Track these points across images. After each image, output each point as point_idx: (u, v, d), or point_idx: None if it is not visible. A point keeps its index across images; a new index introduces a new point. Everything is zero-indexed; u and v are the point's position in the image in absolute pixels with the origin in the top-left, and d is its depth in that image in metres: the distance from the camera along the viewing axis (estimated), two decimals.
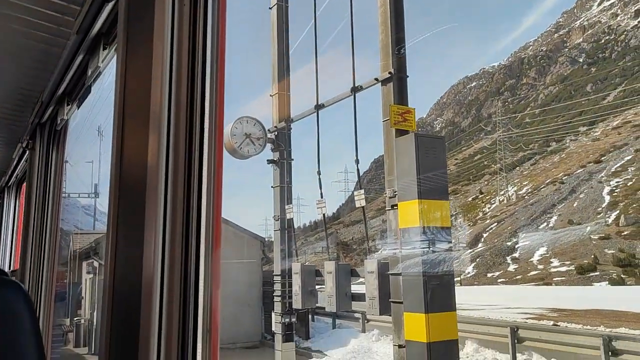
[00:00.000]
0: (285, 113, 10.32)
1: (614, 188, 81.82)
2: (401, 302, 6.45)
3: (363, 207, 8.23)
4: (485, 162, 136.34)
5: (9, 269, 4.37)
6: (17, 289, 1.22)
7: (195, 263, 1.02)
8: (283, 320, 9.27)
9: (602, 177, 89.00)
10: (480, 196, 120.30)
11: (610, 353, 10.83)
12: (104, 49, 1.99)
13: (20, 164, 3.81)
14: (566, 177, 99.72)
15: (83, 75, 2.25)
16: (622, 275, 55.76)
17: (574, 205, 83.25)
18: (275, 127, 10.23)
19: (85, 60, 2.17)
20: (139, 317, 1.01)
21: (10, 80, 2.75)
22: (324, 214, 9.10)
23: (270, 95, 10.77)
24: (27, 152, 3.16)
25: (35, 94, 2.87)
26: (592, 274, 57.87)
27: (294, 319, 9.42)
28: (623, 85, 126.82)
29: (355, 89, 8.22)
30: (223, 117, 1.10)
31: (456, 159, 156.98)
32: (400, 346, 6.48)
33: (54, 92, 2.49)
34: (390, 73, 7.31)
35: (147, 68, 1.15)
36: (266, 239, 19.85)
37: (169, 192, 1.05)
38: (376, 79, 7.63)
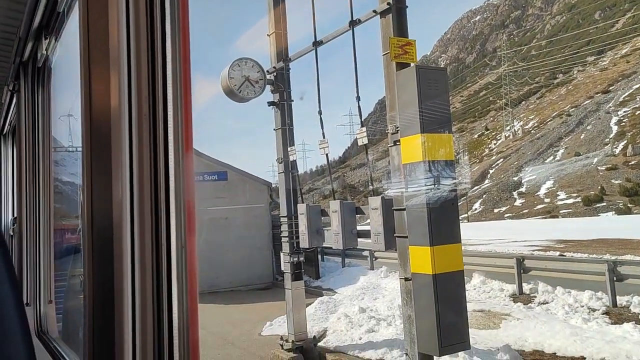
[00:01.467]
0: (283, 53, 10.06)
1: (622, 118, 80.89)
2: (406, 237, 6.49)
3: (366, 145, 8.14)
4: (491, 98, 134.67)
5: (12, 220, 4.40)
6: None
7: (166, 201, 0.98)
8: (291, 260, 9.42)
9: (610, 107, 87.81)
10: (486, 133, 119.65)
11: (615, 278, 11.02)
12: None
13: (11, 110, 3.74)
14: (573, 109, 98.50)
15: (55, 2, 2.14)
16: (629, 205, 56.09)
17: (581, 137, 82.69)
18: (274, 67, 10.01)
19: None
20: (112, 251, 1.00)
21: None
22: (327, 155, 9.04)
23: (267, 35, 10.47)
24: (15, 95, 3.08)
25: (13, 30, 2.76)
26: (598, 205, 58.23)
27: (301, 258, 9.57)
28: (632, 11, 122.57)
29: (353, 23, 7.94)
30: (188, 55, 1.03)
31: (461, 96, 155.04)
32: (406, 279, 6.57)
33: (30, 26, 2.38)
34: (388, 4, 7.02)
35: (104, 5, 1.09)
36: (273, 184, 19.97)
37: (134, 134, 1.02)
38: (374, 11, 7.35)
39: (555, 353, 8.36)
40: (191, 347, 0.97)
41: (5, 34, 2.87)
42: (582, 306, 10.98)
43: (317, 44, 8.95)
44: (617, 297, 10.95)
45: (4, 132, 4.74)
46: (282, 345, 9.25)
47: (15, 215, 3.83)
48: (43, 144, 2.83)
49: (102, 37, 1.11)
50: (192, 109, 1.01)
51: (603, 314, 10.41)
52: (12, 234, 4.17)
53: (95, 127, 1.16)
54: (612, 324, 9.70)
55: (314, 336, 9.70)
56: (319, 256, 19.49)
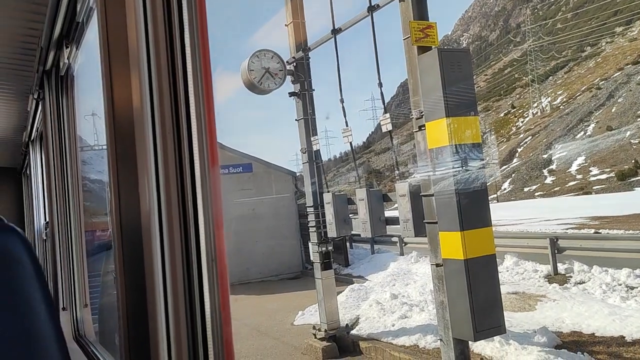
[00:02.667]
0: (302, 42, 9.99)
1: None
2: (435, 223, 6.41)
3: (390, 131, 8.05)
4: (516, 75, 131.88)
5: (45, 224, 4.50)
6: (14, 234, 1.21)
7: (192, 195, 0.97)
8: (320, 250, 9.43)
9: None
10: (512, 110, 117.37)
11: None
12: None
13: (38, 117, 3.82)
14: (603, 82, 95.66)
15: (74, 13, 2.16)
16: None
17: (612, 110, 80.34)
18: (294, 57, 9.96)
19: None
20: (142, 252, 1.00)
21: (6, 25, 2.68)
22: (350, 142, 8.98)
23: (285, 25, 10.42)
24: (40, 103, 3.14)
25: (34, 40, 2.81)
26: (633, 179, 56.61)
27: (330, 248, 9.57)
28: None
29: (371, 8, 7.82)
30: (208, 54, 1.01)
31: (485, 75, 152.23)
32: (437, 265, 6.50)
33: (50, 36, 2.42)
34: None
35: (121, 11, 1.08)
36: (297, 174, 20.03)
37: (158, 133, 1.02)
38: None
39: (594, 333, 8.19)
40: (225, 344, 0.97)
41: (28, 44, 2.92)
42: (620, 284, 10.72)
43: (335, 31, 8.86)
44: None
45: (32, 139, 4.84)
46: (315, 335, 9.30)
47: (47, 219, 3.91)
48: (70, 147, 2.88)
49: (122, 41, 1.11)
50: (214, 106, 1.00)
51: None
52: (45, 238, 4.28)
53: (119, 131, 1.16)
54: None
55: (347, 324, 9.73)
56: (348, 243, 19.52)
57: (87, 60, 2.66)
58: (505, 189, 71.26)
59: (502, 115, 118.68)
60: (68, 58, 2.59)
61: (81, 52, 2.56)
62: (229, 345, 0.96)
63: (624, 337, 7.82)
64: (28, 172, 6.60)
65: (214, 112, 0.99)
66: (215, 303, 0.95)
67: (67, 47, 2.50)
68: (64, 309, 2.88)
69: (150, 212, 0.99)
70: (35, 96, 3.15)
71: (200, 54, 0.98)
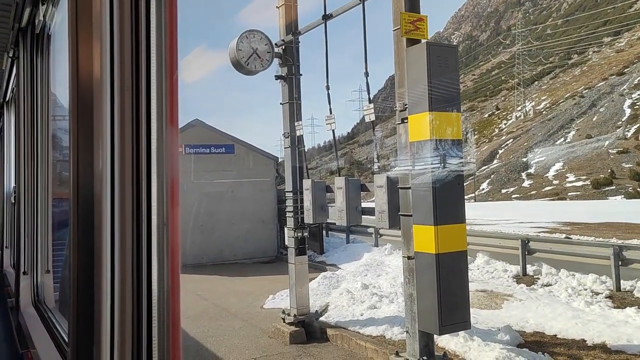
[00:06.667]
0: (293, 26, 9.89)
1: (636, 101, 79.67)
2: (410, 215, 6.45)
3: (373, 122, 8.03)
4: (503, 77, 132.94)
5: (14, 188, 4.41)
6: None
7: (147, 155, 0.94)
8: (295, 235, 9.42)
9: (624, 89, 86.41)
10: (496, 112, 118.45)
11: (620, 262, 10.97)
12: None
13: (12, 77, 3.70)
14: (587, 90, 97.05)
15: None
16: (639, 189, 55.64)
17: (593, 119, 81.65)
18: (283, 40, 9.86)
19: None
20: (94, 213, 0.97)
21: None
22: (333, 130, 8.94)
23: (277, 7, 10.29)
24: (15, 62, 3.04)
25: None
26: (608, 188, 57.80)
27: (306, 234, 9.57)
28: None
29: None
30: (175, 27, 0.98)
31: (473, 75, 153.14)
32: (409, 257, 6.56)
33: None
34: None
35: None
36: (280, 159, 19.96)
37: (116, 105, 0.99)
38: None
39: (556, 335, 8.37)
40: (171, 312, 0.95)
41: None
42: (586, 289, 10.96)
43: (326, 17, 8.79)
44: (622, 282, 10.92)
45: (7, 100, 4.70)
46: (284, 319, 9.33)
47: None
48: (42, 112, 2.80)
49: (88, 2, 1.07)
50: (178, 81, 0.97)
51: (606, 297, 10.39)
52: (13, 202, 4.18)
53: (81, 96, 1.13)
54: (614, 307, 9.69)
55: (316, 311, 9.78)
56: (324, 231, 19.57)
57: (64, 19, 2.57)
58: (483, 189, 72.15)
59: (486, 116, 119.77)
60: (44, 16, 2.50)
61: (59, 10, 2.47)
62: (175, 315, 0.93)
63: (585, 341, 8.01)
64: (2, 134, 6.45)
65: (177, 72, 0.96)
66: (163, 268, 0.93)
67: (43, 4, 2.41)
68: (24, 273, 2.83)
69: (103, 173, 0.96)
70: (10, 54, 3.05)
71: (167, 14, 0.95)
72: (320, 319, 9.58)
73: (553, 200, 56.60)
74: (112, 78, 0.97)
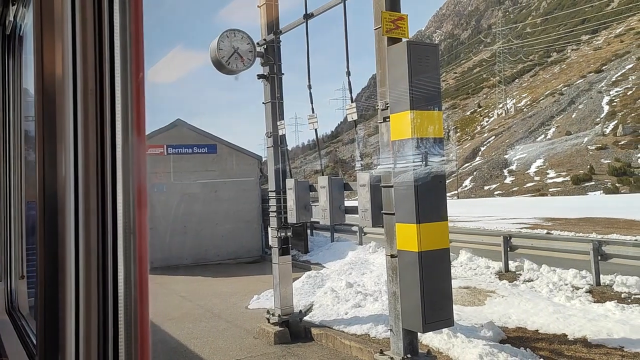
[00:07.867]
0: (274, 25, 9.84)
1: (614, 98, 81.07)
2: (393, 214, 6.47)
3: (355, 121, 8.03)
4: (484, 75, 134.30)
5: None
6: None
7: (112, 163, 0.92)
8: (279, 235, 9.39)
9: (602, 87, 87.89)
10: (478, 110, 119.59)
11: (599, 257, 11.14)
12: None
13: None
14: (566, 88, 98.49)
15: None
16: (617, 184, 56.65)
17: (573, 116, 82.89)
18: (265, 40, 9.81)
19: None
20: (58, 221, 0.94)
21: None
22: (316, 129, 8.93)
23: (258, 7, 10.23)
24: None
25: None
26: (587, 184, 58.74)
27: (289, 233, 9.54)
28: None
29: None
30: (141, 28, 0.95)
31: (455, 73, 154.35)
32: (392, 256, 6.58)
33: None
34: None
35: None
36: (263, 158, 19.87)
37: (79, 95, 0.96)
38: None
39: (537, 330, 8.47)
40: (139, 324, 0.92)
41: None
42: (566, 284, 11.11)
43: (307, 16, 8.76)
44: (601, 276, 11.09)
45: None
46: (268, 319, 9.29)
47: None
48: (14, 113, 2.73)
49: (50, 3, 1.04)
50: (144, 83, 0.94)
51: (586, 292, 10.55)
52: None
53: (46, 99, 1.10)
54: (594, 302, 9.84)
55: (300, 310, 9.75)
56: (309, 230, 19.55)
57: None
58: (466, 186, 72.77)
59: (468, 113, 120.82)
60: (15, 17, 2.44)
61: (29, 11, 2.41)
62: (143, 322, 0.91)
63: (566, 335, 8.12)
64: None
65: (144, 75, 0.94)
66: (130, 278, 0.90)
67: (13, 5, 2.36)
68: None
69: (67, 178, 0.94)
70: None
71: (132, 14, 0.92)
72: (305, 318, 9.56)
73: (534, 196, 57.33)
74: (75, 80, 0.95)
